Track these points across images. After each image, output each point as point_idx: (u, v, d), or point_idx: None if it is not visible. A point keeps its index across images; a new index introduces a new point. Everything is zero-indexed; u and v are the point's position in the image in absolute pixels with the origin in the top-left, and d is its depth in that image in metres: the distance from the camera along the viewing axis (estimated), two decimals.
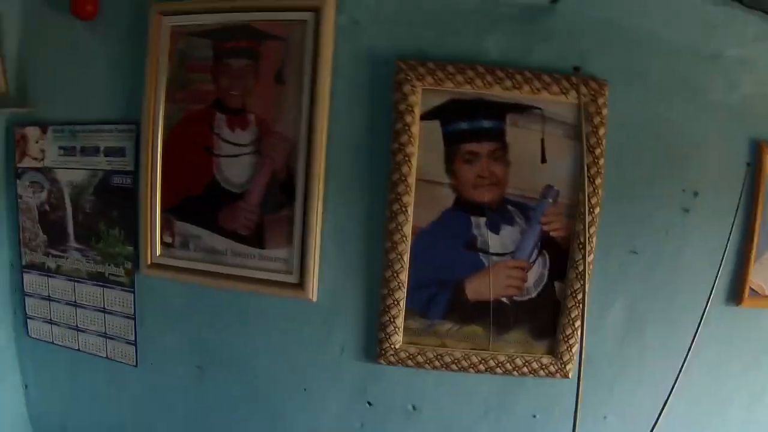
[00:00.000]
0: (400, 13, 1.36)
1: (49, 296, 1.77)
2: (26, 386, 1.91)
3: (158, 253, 1.54)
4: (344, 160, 1.41)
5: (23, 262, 1.77)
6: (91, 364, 1.75)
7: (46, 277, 1.75)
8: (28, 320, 1.83)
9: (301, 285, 1.43)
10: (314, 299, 1.45)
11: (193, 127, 1.47)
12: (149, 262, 1.55)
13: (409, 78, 1.32)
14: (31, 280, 1.77)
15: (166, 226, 1.53)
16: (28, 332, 1.84)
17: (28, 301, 1.81)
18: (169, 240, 1.53)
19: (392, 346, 1.42)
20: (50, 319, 1.78)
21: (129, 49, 1.56)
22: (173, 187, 1.51)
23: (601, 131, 1.34)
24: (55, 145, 1.66)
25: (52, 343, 1.81)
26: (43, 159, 1.68)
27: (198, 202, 1.50)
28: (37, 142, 1.68)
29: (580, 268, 1.35)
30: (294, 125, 1.41)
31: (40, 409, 1.91)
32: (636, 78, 1.34)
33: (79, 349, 1.76)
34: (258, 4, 1.41)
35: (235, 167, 1.45)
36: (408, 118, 1.34)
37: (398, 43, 1.37)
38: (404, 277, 1.38)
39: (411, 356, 1.43)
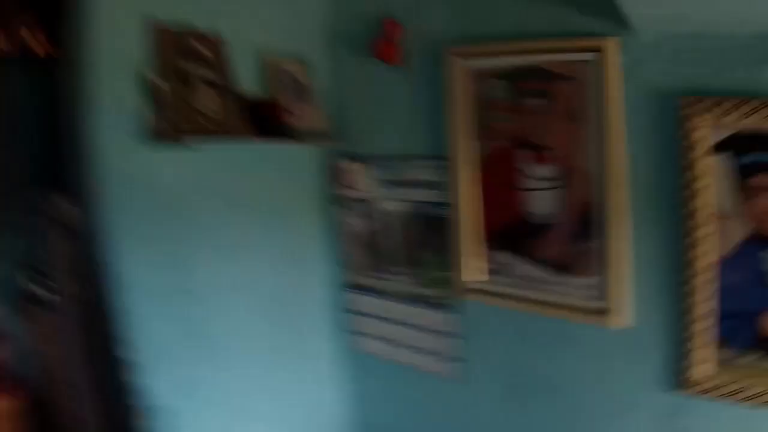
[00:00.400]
0: (679, 52, 1.40)
1: (373, 314, 2.09)
2: (349, 397, 2.25)
3: (474, 278, 1.76)
4: (643, 193, 1.49)
5: (347, 282, 2.13)
6: (411, 378, 2.04)
7: (370, 297, 2.07)
8: (353, 336, 2.18)
9: (607, 311, 1.55)
10: (622, 326, 1.55)
11: (498, 162, 1.68)
12: (466, 287, 1.79)
13: (691, 113, 1.37)
14: (355, 299, 2.13)
15: (480, 255, 1.74)
16: (352, 347, 2.19)
17: (353, 318, 2.16)
18: (483, 267, 1.74)
19: (697, 377, 1.45)
20: (374, 335, 2.11)
21: (433, 88, 1.78)
22: (485, 218, 1.72)
23: None
24: (374, 178, 1.97)
25: (375, 356, 2.13)
26: (363, 190, 2.00)
27: (508, 232, 1.69)
28: (355, 174, 2.01)
29: None
30: (592, 160, 1.52)
31: (361, 418, 2.24)
32: None
33: (400, 363, 2.04)
34: (545, 46, 1.55)
35: (541, 200, 1.62)
36: (694, 153, 1.38)
37: (679, 80, 1.40)
38: (706, 307, 1.41)
39: (717, 387, 1.43)
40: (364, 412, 2.22)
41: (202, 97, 1.68)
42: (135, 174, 1.66)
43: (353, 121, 2.00)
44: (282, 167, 2.00)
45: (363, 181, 1.98)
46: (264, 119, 1.81)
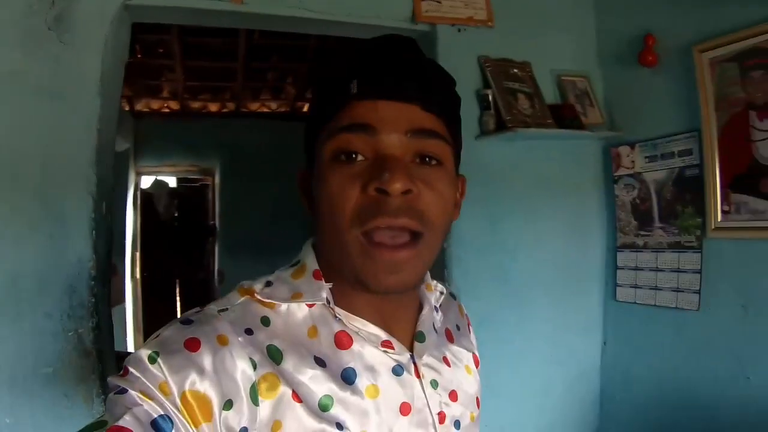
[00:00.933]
0: None
1: (636, 267, 2.64)
2: (605, 343, 2.79)
3: (719, 219, 2.27)
4: None
5: (617, 244, 2.72)
6: (662, 316, 2.52)
7: (635, 253, 2.64)
8: (617, 288, 2.73)
9: None
10: None
11: (734, 125, 2.22)
12: (713, 227, 2.30)
13: None
14: (623, 256, 2.71)
15: (723, 199, 2.26)
16: (615, 297, 2.73)
17: (619, 273, 2.73)
18: (726, 209, 2.25)
19: None
20: (635, 284, 2.64)
21: (682, 79, 2.39)
22: (726, 171, 2.25)
23: None
24: (642, 156, 2.60)
25: (634, 303, 2.65)
26: (633, 167, 2.61)
27: (744, 177, 2.19)
28: (628, 156, 2.66)
29: None
30: None
31: (611, 359, 2.75)
32: None
33: (655, 305, 2.55)
34: (761, 29, 2.07)
35: (766, 147, 2.10)
36: None
37: None
38: None
39: None
40: (610, 355, 2.72)
41: (521, 103, 2.49)
42: (470, 159, 2.49)
43: (624, 115, 2.66)
44: (571, 153, 2.70)
45: (631, 159, 2.60)
46: (562, 117, 2.56)
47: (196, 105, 5.82)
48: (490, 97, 2.46)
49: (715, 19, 2.25)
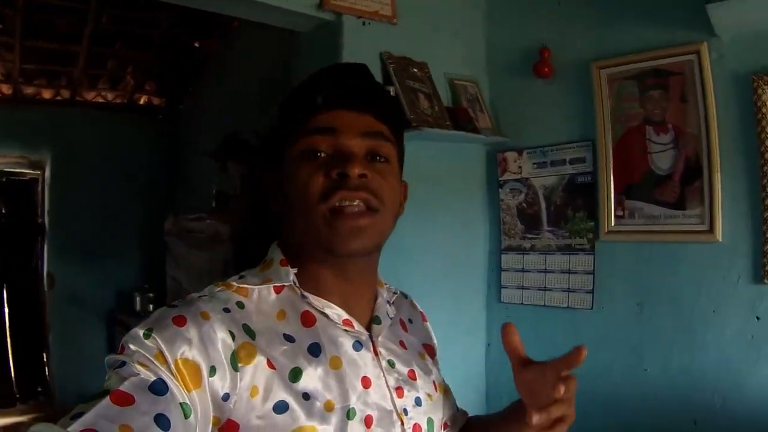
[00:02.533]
0: (747, 46, 2.12)
1: (522, 269, 2.74)
2: (488, 344, 2.85)
3: (613, 223, 2.44)
4: (730, 144, 2.18)
5: (502, 247, 2.79)
6: (552, 315, 2.64)
7: (521, 255, 2.73)
8: (501, 289, 2.81)
9: (711, 231, 2.21)
10: (720, 240, 2.19)
11: (631, 137, 2.41)
12: (606, 231, 2.46)
13: (759, 86, 2.08)
14: (507, 258, 2.80)
15: (617, 204, 2.43)
16: (499, 299, 2.81)
17: (504, 275, 2.81)
18: (620, 213, 2.43)
19: None
20: (521, 286, 2.74)
21: (578, 92, 2.54)
22: (620, 178, 2.43)
23: None
24: (530, 162, 2.70)
25: (521, 304, 2.75)
26: (520, 172, 2.71)
27: (638, 185, 2.39)
28: (515, 161, 2.75)
29: None
30: (696, 127, 2.24)
31: (497, 361, 2.81)
32: None
33: (544, 305, 2.66)
34: (660, 54, 2.30)
35: (662, 159, 2.33)
36: (763, 111, 2.07)
37: (749, 65, 2.12)
38: None
39: None
40: (495, 358, 2.76)
41: (421, 102, 2.44)
42: None
43: (512, 122, 2.74)
44: (460, 156, 2.72)
45: (519, 165, 2.69)
46: (457, 120, 2.55)
47: (29, 90, 5.11)
48: (393, 94, 2.37)
49: (614, 39, 2.41)
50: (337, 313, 0.94)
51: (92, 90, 5.38)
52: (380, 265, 1.04)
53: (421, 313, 1.24)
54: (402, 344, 1.04)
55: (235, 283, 0.92)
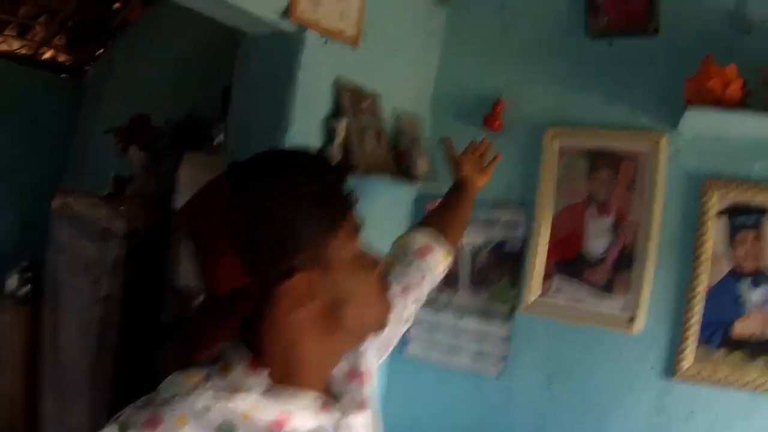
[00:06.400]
0: (704, 147, 2.09)
1: (433, 325, 2.51)
2: (387, 394, 2.58)
3: (537, 296, 2.30)
4: (667, 239, 2.13)
5: None
6: (459, 378, 2.45)
7: (434, 311, 2.51)
8: (407, 343, 2.57)
9: (632, 320, 2.14)
10: (639, 331, 2.14)
11: (571, 212, 2.27)
12: (529, 302, 2.31)
13: (708, 190, 2.05)
14: (419, 312, 2.36)
15: (545, 278, 2.29)
16: (404, 352, 2.56)
17: (412, 328, 2.40)
18: (545, 287, 2.29)
19: (684, 366, 2.04)
20: (429, 342, 2.51)
21: (525, 154, 2.38)
22: (553, 252, 2.29)
23: None
24: None
25: (425, 360, 2.53)
26: None
27: (570, 263, 2.26)
28: None
29: None
30: (638, 215, 2.15)
31: (394, 412, 2.42)
32: None
33: (450, 366, 2.46)
34: (619, 135, 2.20)
35: (598, 241, 2.22)
36: (707, 216, 2.05)
37: (702, 166, 2.09)
38: (697, 318, 2.04)
39: (695, 374, 2.03)
40: (407, 409, 2.53)
41: (367, 141, 2.17)
42: None
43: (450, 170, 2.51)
44: (388, 202, 2.43)
45: None
46: (398, 162, 2.31)
47: None
48: (342, 130, 2.08)
49: (574, 107, 2.27)
50: (313, 398, 0.86)
51: None
52: None
53: None
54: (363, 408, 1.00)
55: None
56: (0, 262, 4.57)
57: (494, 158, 1.82)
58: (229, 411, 0.77)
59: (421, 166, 2.41)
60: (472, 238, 2.44)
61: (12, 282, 4.32)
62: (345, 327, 0.86)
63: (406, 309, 1.30)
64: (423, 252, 1.40)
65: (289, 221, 0.79)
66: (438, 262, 1.44)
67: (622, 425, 2.14)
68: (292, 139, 1.98)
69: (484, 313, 2.39)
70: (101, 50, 4.90)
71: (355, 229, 0.87)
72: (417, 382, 2.54)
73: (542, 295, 2.27)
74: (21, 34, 4.73)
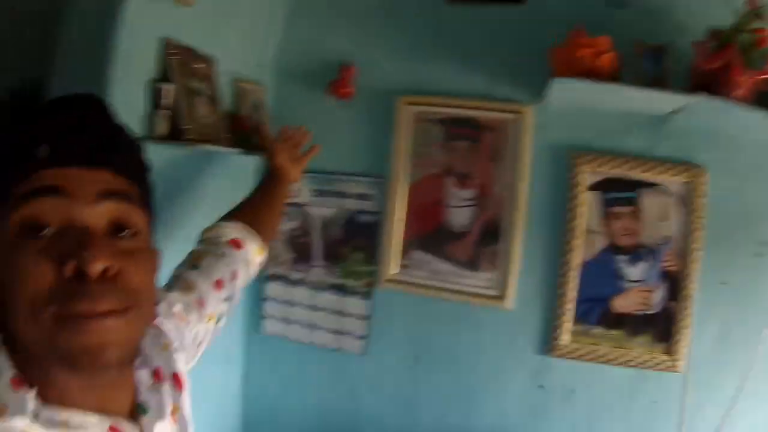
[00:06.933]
0: (573, 120, 2.07)
1: (289, 301, 2.36)
2: (247, 373, 2.46)
3: (395, 272, 2.21)
4: (536, 214, 2.11)
5: (267, 274, 2.38)
6: (321, 355, 2.34)
7: (288, 287, 2.36)
8: (263, 320, 2.41)
9: (501, 297, 2.11)
10: (509, 308, 2.11)
11: (429, 184, 2.18)
12: (387, 278, 2.21)
13: (577, 163, 2.04)
14: (273, 288, 2.39)
15: (403, 253, 2.20)
16: (261, 330, 2.42)
17: (268, 304, 2.41)
18: (405, 263, 2.20)
19: (561, 344, 2.06)
20: (287, 319, 2.37)
21: (377, 123, 2.24)
22: (411, 225, 2.20)
23: (702, 201, 1.98)
24: (310, 187, 2.32)
25: (285, 338, 2.39)
26: (297, 197, 2.33)
27: (430, 237, 2.19)
28: None
29: (686, 293, 1.99)
30: (503, 189, 2.11)
31: (254, 392, 2.46)
32: (727, 165, 1.98)
33: (311, 343, 2.34)
34: (478, 105, 2.11)
35: (460, 215, 2.16)
36: (577, 190, 2.05)
37: (571, 139, 2.07)
38: (572, 294, 2.05)
39: (573, 351, 2.06)
40: (253, 388, 2.43)
41: (199, 108, 1.89)
42: None
43: None
44: (229, 169, 2.19)
45: (297, 189, 2.30)
46: (236, 129, 2.06)
47: None
48: (170, 95, 1.79)
49: (429, 75, 2.16)
50: (96, 424, 0.70)
51: None
52: None
53: (156, 322, 0.97)
54: (172, 414, 0.84)
55: None
56: None
57: (310, 149, 1.78)
58: None
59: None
60: (321, 210, 2.30)
61: None
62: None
63: (218, 306, 1.19)
64: (236, 244, 1.31)
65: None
66: (253, 256, 1.34)
67: (498, 406, 2.13)
68: (115, 102, 1.68)
69: (340, 290, 2.28)
70: None
71: (27, 196, 0.67)
72: (277, 360, 2.40)
73: (402, 271, 2.19)
74: None
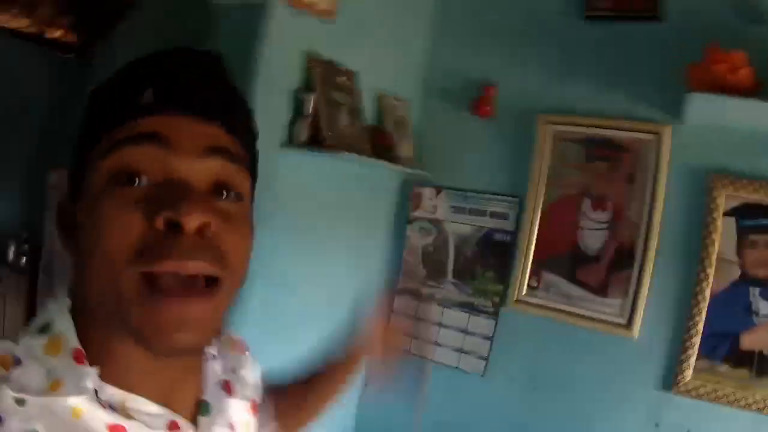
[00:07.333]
0: (712, 140, 1.89)
1: (415, 316, 2.35)
2: (365, 385, 2.37)
3: (524, 292, 2.12)
4: (668, 239, 1.93)
5: (397, 288, 2.40)
6: (440, 373, 2.29)
7: (416, 301, 2.35)
8: None
9: (627, 326, 1.95)
10: (635, 337, 1.95)
11: (565, 205, 2.09)
12: (516, 299, 2.13)
13: (717, 186, 1.85)
14: (401, 302, 2.40)
15: (533, 274, 2.11)
16: None
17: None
18: (534, 284, 2.11)
19: (683, 380, 1.86)
20: (412, 334, 2.33)
21: (516, 142, 2.20)
22: (544, 246, 2.11)
23: None
24: (448, 204, 2.32)
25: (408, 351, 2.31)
26: (434, 212, 2.33)
27: (562, 259, 2.08)
28: (430, 199, 2.36)
29: None
30: (638, 213, 1.96)
31: (369, 405, 2.42)
32: None
33: (432, 360, 2.29)
34: (617, 124, 2.00)
35: (594, 238, 2.03)
36: (715, 215, 1.85)
37: (709, 160, 1.89)
38: (700, 327, 1.84)
39: (694, 389, 1.84)
40: (383, 401, 2.33)
41: (342, 119, 2.00)
42: (263, 170, 1.93)
43: (437, 156, 2.35)
44: (370, 182, 2.30)
45: (434, 204, 2.32)
46: (376, 143, 2.13)
47: None
48: (311, 105, 1.93)
49: (569, 95, 2.10)
50: (158, 414, 0.61)
51: (4, 13, 4.55)
52: (252, 294, 0.78)
53: (241, 344, 0.84)
54: (231, 427, 0.70)
55: (9, 379, 0.54)
56: (1, 234, 4.58)
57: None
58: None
59: (405, 149, 2.26)
60: (457, 227, 2.28)
61: (12, 252, 4.40)
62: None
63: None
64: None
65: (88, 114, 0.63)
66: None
67: None
68: (258, 110, 1.83)
69: (469, 308, 2.23)
70: (107, 29, 4.84)
71: (124, 141, 0.58)
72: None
73: (530, 292, 2.09)
74: (30, 11, 4.64)
